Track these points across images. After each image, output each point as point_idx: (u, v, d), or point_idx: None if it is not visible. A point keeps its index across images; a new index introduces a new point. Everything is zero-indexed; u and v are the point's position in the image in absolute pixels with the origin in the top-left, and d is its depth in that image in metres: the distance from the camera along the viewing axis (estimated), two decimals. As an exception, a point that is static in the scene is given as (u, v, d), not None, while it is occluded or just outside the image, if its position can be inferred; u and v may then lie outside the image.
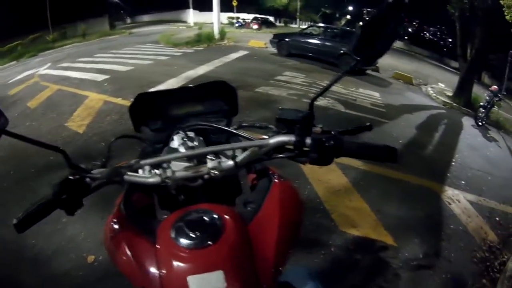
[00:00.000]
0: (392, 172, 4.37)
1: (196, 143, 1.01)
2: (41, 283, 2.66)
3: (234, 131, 1.02)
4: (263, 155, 0.92)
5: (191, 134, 1.06)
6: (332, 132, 0.88)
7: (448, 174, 4.87)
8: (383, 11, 0.79)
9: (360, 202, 3.64)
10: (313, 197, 3.68)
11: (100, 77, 8.99)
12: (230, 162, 0.89)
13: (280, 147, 0.91)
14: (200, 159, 0.93)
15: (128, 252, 0.82)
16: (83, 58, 13.09)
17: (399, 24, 0.82)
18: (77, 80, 8.91)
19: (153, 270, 0.77)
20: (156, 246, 0.78)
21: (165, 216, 0.91)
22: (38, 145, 0.82)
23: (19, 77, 11.36)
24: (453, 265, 3.04)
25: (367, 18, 0.84)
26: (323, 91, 0.92)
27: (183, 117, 1.23)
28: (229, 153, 0.96)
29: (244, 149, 0.93)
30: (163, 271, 0.74)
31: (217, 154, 0.94)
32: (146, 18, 52.16)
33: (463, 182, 4.67)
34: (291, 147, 0.90)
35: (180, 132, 1.06)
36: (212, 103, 1.28)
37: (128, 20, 53.11)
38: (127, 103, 6.41)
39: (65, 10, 28.19)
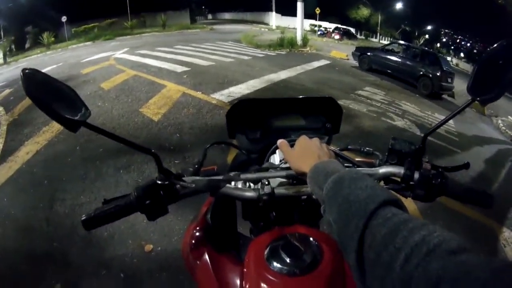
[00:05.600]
0: (458, 206, 4.17)
1: None
2: (89, 263, 2.59)
3: (343, 154, 0.97)
4: None
5: None
6: (440, 169, 0.85)
7: (509, 215, 4.53)
8: (498, 52, 0.73)
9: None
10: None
11: (179, 69, 9.04)
12: None
13: (386, 178, 0.88)
14: (301, 179, 0.87)
15: (210, 266, 0.81)
16: (162, 48, 13.44)
17: None
18: (155, 69, 9.02)
19: None
20: (244, 264, 0.76)
21: (250, 233, 0.99)
22: (127, 144, 0.72)
23: (94, 57, 11.92)
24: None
25: (482, 58, 0.75)
26: (437, 127, 0.86)
27: (283, 130, 1.19)
28: None
29: None
30: None
31: None
32: (227, 16, 53.96)
33: (520, 224, 4.44)
34: (397, 179, 0.87)
35: None
36: (315, 119, 1.23)
37: (209, 16, 55.13)
38: (206, 97, 6.40)
39: (146, -1, 29.34)
